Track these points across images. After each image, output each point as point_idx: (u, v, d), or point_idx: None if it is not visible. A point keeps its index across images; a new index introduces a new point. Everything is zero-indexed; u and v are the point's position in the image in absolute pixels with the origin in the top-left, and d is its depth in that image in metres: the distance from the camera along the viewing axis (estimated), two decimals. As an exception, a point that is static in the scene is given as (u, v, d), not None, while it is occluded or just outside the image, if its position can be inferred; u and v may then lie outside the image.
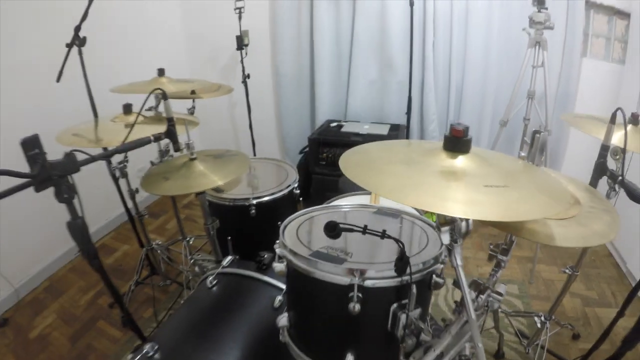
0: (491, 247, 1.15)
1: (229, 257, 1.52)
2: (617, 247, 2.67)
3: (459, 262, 0.94)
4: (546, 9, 2.18)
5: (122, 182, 2.13)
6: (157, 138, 1.33)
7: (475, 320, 0.95)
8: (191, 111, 2.46)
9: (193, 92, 2.27)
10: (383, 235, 0.96)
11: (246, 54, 3.23)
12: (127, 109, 1.71)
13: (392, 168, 1.00)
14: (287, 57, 3.44)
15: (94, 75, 1.93)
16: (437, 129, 3.25)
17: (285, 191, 1.84)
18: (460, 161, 0.95)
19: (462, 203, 0.83)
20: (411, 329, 0.98)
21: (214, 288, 1.41)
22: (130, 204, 2.24)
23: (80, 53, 1.83)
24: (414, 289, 0.95)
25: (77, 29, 1.77)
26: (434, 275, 1.05)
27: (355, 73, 3.25)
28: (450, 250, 0.95)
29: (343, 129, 3.09)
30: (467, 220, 0.91)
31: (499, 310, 1.92)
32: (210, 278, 1.42)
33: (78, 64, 1.85)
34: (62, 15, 1.98)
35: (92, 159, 1.07)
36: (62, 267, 2.75)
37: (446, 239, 0.93)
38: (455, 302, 1.05)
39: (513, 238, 1.11)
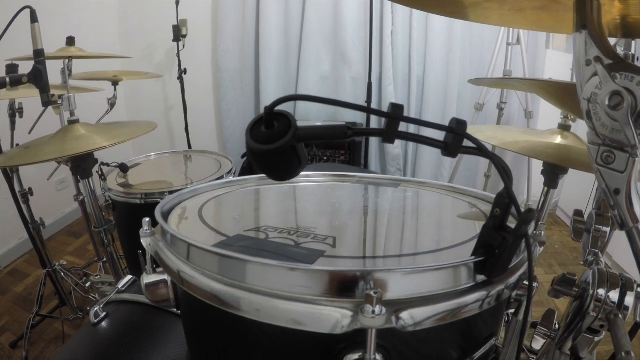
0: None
1: (128, 278, 0.94)
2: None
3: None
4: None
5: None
6: (16, 81, 0.81)
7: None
8: (112, 102, 1.94)
9: (115, 76, 1.83)
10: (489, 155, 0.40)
11: (183, 46, 2.72)
12: (12, 69, 1.19)
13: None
14: (230, 49, 2.93)
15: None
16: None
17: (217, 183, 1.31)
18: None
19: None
20: None
21: (102, 324, 0.85)
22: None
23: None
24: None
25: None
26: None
27: (306, 67, 2.80)
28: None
29: (292, 127, 2.63)
30: None
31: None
32: (97, 309, 0.86)
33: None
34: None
35: None
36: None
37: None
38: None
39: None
